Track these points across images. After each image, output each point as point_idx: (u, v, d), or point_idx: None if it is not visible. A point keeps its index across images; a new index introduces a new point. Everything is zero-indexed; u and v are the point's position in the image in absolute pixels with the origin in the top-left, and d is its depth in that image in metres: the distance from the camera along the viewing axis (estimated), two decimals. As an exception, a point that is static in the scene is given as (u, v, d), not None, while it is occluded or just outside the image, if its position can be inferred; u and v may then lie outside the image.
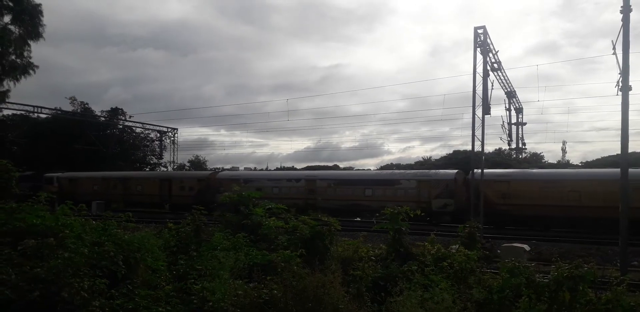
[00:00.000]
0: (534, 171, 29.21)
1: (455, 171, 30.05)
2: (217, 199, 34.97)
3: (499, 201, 26.33)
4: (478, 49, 20.55)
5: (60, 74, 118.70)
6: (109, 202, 40.75)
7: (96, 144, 50.67)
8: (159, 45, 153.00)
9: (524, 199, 25.81)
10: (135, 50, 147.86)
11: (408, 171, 31.09)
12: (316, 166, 66.63)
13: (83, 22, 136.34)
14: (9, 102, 30.97)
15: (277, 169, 66.25)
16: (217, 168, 67.34)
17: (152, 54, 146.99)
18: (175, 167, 56.46)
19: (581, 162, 57.54)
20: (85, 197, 39.48)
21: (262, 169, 62.89)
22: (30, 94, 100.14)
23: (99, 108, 60.97)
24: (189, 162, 72.68)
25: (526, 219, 26.22)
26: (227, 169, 50.21)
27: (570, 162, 58.55)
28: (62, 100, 56.94)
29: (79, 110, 55.81)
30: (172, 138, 55.68)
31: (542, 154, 61.56)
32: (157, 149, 60.97)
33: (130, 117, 58.50)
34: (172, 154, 55.20)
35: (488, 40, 20.80)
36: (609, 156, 52.85)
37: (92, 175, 46.14)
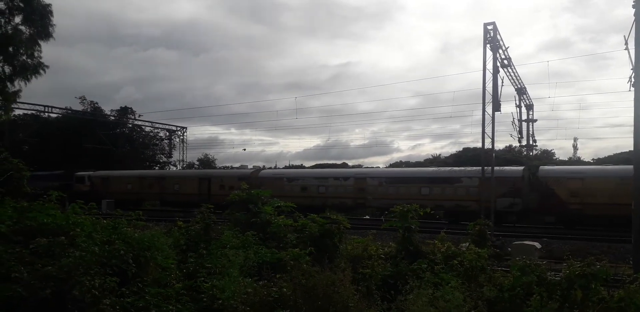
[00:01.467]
0: (610, 167, 27.29)
1: (522, 167, 28.45)
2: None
3: (570, 199, 24.78)
4: (488, 46, 20.40)
5: (74, 74, 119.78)
6: (143, 201, 40.66)
7: (106, 143, 51.03)
8: (171, 45, 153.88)
9: (599, 198, 24.06)
10: (147, 50, 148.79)
11: (470, 168, 29.24)
12: (325, 163, 66.52)
13: (96, 22, 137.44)
14: (20, 102, 31.25)
15: (286, 167, 66.22)
16: (226, 166, 67.58)
17: (164, 53, 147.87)
18: (184, 166, 56.74)
19: (593, 159, 56.93)
20: (119, 197, 39.08)
21: (270, 168, 62.96)
22: (43, 94, 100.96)
23: (110, 107, 61.26)
24: (197, 160, 73.00)
25: (600, 219, 24.46)
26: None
27: (582, 159, 57.96)
28: (76, 100, 57.14)
29: (88, 110, 56.21)
30: (182, 137, 56.01)
31: (553, 151, 61.04)
32: (167, 148, 61.37)
33: (139, 116, 58.92)
34: (182, 152, 55.53)
35: (498, 36, 20.63)
36: (622, 153, 52.25)
37: (126, 173, 45.17)
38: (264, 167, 48.84)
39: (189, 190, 36.75)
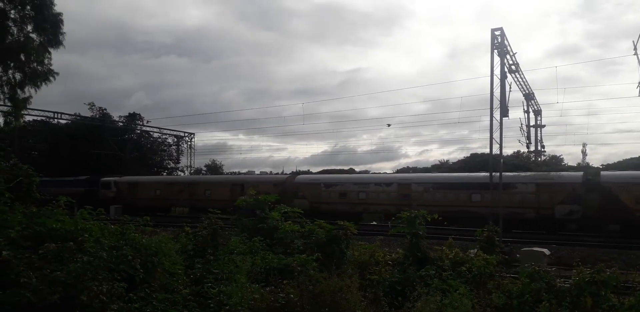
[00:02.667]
0: None
1: (581, 173, 27.11)
2: (296, 204, 33.22)
3: (637, 206, 22.99)
4: (495, 51, 20.37)
5: (86, 80, 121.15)
6: (172, 207, 40.00)
7: (115, 149, 51.34)
8: (182, 52, 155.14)
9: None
10: (159, 57, 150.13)
11: (525, 174, 27.88)
12: (332, 169, 66.48)
13: (107, 29, 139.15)
14: (30, 109, 31.57)
15: (293, 173, 66.29)
16: (233, 172, 67.75)
17: (175, 60, 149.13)
18: (192, 171, 56.92)
19: (602, 165, 56.52)
20: (146, 203, 38.42)
21: (277, 173, 63.00)
22: (55, 101, 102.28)
23: (121, 114, 61.76)
24: (205, 166, 73.24)
25: None
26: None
27: (591, 164, 57.54)
28: (85, 106, 57.77)
29: (97, 116, 56.69)
30: (189, 143, 56.25)
31: (561, 157, 60.67)
32: (174, 154, 61.66)
33: (147, 122, 59.30)
34: (189, 158, 55.74)
35: (505, 42, 20.61)
36: (632, 158, 51.80)
37: (154, 179, 44.52)
38: (298, 172, 47.16)
39: (221, 196, 35.15)
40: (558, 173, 29.17)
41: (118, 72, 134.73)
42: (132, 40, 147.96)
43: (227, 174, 62.98)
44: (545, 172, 30.25)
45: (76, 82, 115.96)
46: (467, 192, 27.21)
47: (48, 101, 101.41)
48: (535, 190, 25.62)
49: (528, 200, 25.59)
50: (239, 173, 65.17)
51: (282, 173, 65.80)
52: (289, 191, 33.09)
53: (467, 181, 28.54)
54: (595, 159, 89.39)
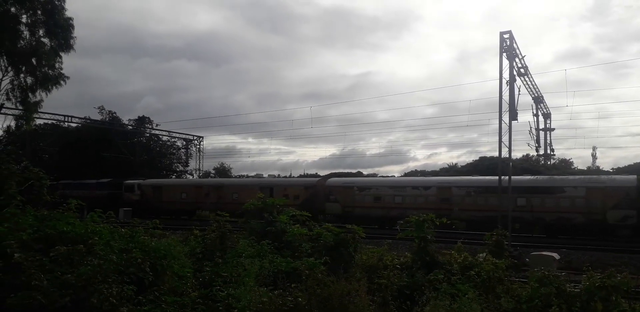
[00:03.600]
0: None
1: (634, 176, 25.84)
2: (327, 208, 31.69)
3: None
4: (504, 54, 20.31)
5: (99, 84, 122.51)
6: (198, 211, 38.99)
7: (124, 152, 51.69)
8: (193, 56, 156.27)
9: None
10: (170, 61, 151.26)
11: (574, 177, 26.78)
12: (339, 172, 66.47)
13: (119, 34, 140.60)
14: (40, 112, 31.95)
15: (302, 176, 66.30)
16: (242, 175, 67.96)
17: (186, 64, 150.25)
18: (200, 174, 57.15)
19: (612, 169, 56.03)
20: (172, 206, 37.96)
21: (285, 176, 63.05)
22: (68, 104, 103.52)
23: (132, 117, 62.13)
24: (214, 169, 73.55)
25: None
26: (337, 175, 45.48)
27: (601, 168, 57.07)
28: (95, 109, 58.22)
29: (107, 119, 57.13)
30: (198, 146, 56.54)
31: (571, 160, 60.27)
32: (183, 157, 61.96)
33: (157, 125, 59.69)
34: (198, 161, 56.00)
35: (514, 45, 20.55)
36: (642, 162, 51.24)
37: (180, 182, 43.65)
38: (330, 175, 45.58)
39: (249, 199, 34.25)
40: (610, 176, 27.99)
41: (130, 76, 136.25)
42: (144, 44, 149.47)
43: (235, 177, 63.17)
44: (596, 176, 29.42)
45: (90, 86, 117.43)
46: (512, 196, 25.35)
47: (61, 105, 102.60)
48: (585, 194, 24.61)
49: (577, 204, 24.62)
50: (247, 176, 65.40)
51: (290, 176, 65.78)
52: (320, 195, 32.40)
53: (513, 184, 26.37)
54: (606, 163, 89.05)
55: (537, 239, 24.93)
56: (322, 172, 70.75)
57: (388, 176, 55.45)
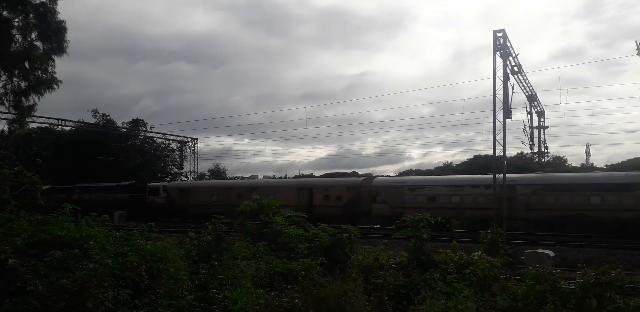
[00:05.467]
0: None
1: None
2: (374, 210, 29.60)
3: None
4: (498, 53, 20.44)
5: (97, 88, 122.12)
6: (228, 214, 38.37)
7: (118, 155, 51.51)
8: (190, 59, 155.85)
9: None
10: (167, 64, 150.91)
11: None
12: (335, 173, 66.52)
13: (117, 37, 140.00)
14: (34, 116, 31.77)
15: (297, 176, 66.22)
16: (237, 177, 67.89)
17: (183, 66, 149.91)
18: (195, 176, 57.05)
19: (606, 165, 56.31)
20: (201, 210, 34.77)
21: (280, 177, 62.99)
22: (67, 108, 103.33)
23: (127, 120, 62.02)
24: (208, 171, 73.40)
25: None
26: (333, 175, 44.32)
27: (595, 165, 57.35)
28: (88, 113, 58.03)
29: (100, 122, 56.94)
30: (192, 148, 56.44)
31: (565, 158, 60.44)
32: (178, 159, 61.85)
33: (151, 128, 59.55)
34: (192, 163, 55.93)
35: (508, 43, 20.69)
36: (635, 158, 51.61)
37: (211, 184, 42.03)
38: (373, 175, 43.35)
39: (286, 201, 31.11)
40: None
41: (128, 79, 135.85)
42: (142, 47, 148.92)
43: (231, 178, 63.06)
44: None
45: (87, 89, 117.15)
46: (585, 194, 24.32)
47: (58, 108, 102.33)
48: None
49: None
50: (242, 178, 65.30)
51: (285, 177, 65.74)
52: (366, 195, 30.67)
53: (585, 181, 25.37)
54: (599, 160, 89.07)
55: (532, 236, 25.01)
56: (318, 173, 70.78)
57: (390, 175, 55.31)
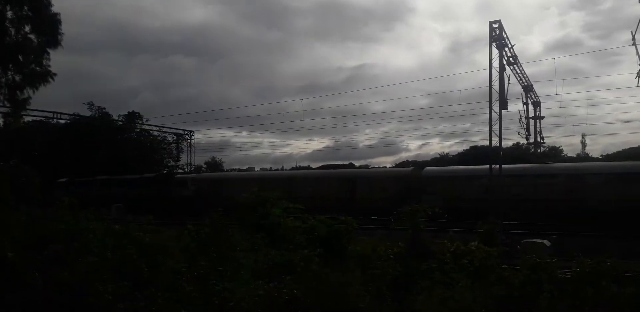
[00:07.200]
0: None
1: None
2: (424, 202, 28.49)
3: None
4: (494, 44, 20.40)
5: (97, 81, 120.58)
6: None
7: (114, 148, 51.30)
8: (189, 52, 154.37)
9: None
10: (166, 57, 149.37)
11: None
12: (331, 164, 66.53)
13: (116, 31, 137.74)
14: (29, 109, 31.57)
15: (293, 168, 66.24)
16: (234, 169, 67.84)
17: (182, 60, 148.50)
18: (191, 169, 56.98)
19: (601, 155, 56.51)
20: (233, 203, 32.07)
21: (277, 170, 62.99)
22: (65, 102, 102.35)
23: (124, 113, 61.43)
24: (205, 163, 73.29)
25: None
26: (330, 167, 41.88)
27: (590, 155, 57.52)
28: (84, 106, 57.49)
29: (96, 115, 56.57)
30: (189, 140, 56.30)
31: (561, 148, 60.57)
32: (174, 152, 61.67)
33: (147, 120, 59.28)
34: (189, 156, 55.81)
35: (504, 34, 20.63)
36: (630, 148, 51.86)
37: (243, 175, 39.90)
38: (422, 165, 40.54)
39: (327, 193, 30.49)
40: None
41: (127, 72, 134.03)
42: (140, 40, 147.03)
43: (228, 171, 63.01)
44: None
45: (86, 83, 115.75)
46: None
47: (56, 102, 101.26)
48: None
49: None
50: (239, 170, 65.27)
51: (282, 168, 65.70)
52: (414, 187, 28.44)
53: None
54: (595, 150, 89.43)
55: (528, 226, 25.04)
56: (315, 165, 70.80)
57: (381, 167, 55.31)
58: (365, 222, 17.44)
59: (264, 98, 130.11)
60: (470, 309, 6.68)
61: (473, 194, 25.27)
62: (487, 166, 21.74)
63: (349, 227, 10.36)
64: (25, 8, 20.97)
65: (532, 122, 31.28)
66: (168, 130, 56.39)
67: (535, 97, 30.78)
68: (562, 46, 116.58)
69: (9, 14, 20.89)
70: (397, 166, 62.73)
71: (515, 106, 29.24)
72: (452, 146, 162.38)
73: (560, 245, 16.68)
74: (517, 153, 47.07)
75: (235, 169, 68.20)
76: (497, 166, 20.84)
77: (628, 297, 6.61)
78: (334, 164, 66.11)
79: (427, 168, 31.61)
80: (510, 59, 22.88)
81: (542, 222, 23.71)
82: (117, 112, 59.71)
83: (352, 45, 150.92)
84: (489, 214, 17.95)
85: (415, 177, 29.57)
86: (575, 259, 7.50)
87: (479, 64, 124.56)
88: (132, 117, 60.17)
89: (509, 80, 22.16)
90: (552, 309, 6.69)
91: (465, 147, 67.74)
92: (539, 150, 38.56)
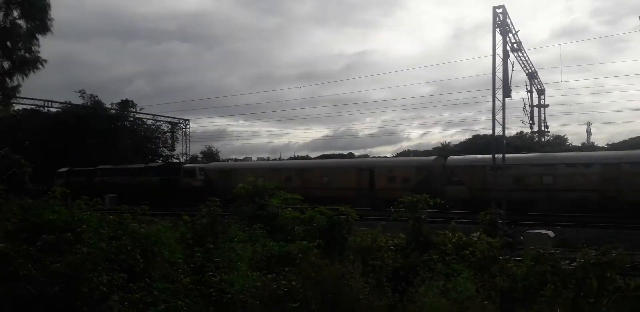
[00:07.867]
0: None
1: None
2: (449, 193, 25.90)
3: None
4: (497, 30, 20.12)
5: (90, 69, 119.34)
6: None
7: (107, 137, 50.76)
8: (184, 38, 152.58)
9: None
10: (161, 44, 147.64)
11: None
12: (331, 154, 66.27)
13: (109, 17, 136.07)
14: (19, 97, 31.08)
15: (292, 158, 65.95)
16: (230, 159, 67.54)
17: (177, 47, 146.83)
18: (187, 159, 56.69)
19: (607, 144, 55.96)
20: None
21: (275, 159, 62.77)
22: (56, 90, 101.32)
23: (117, 101, 60.74)
24: (201, 153, 72.98)
25: None
26: (329, 157, 40.40)
27: (596, 144, 57.01)
28: (76, 94, 56.74)
29: (88, 104, 55.84)
30: (184, 129, 55.90)
31: (565, 137, 59.83)
32: (169, 141, 61.28)
33: (141, 109, 58.68)
34: (184, 145, 55.45)
35: (508, 20, 20.34)
36: (637, 137, 51.36)
37: (256, 165, 38.93)
38: (444, 154, 38.22)
39: (344, 183, 30.09)
40: None
41: (121, 59, 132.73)
42: (134, 27, 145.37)
43: (224, 160, 62.72)
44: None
45: (80, 70, 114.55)
46: None
47: (49, 90, 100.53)
48: None
49: None
50: (236, 159, 64.99)
51: (280, 159, 65.44)
52: (438, 176, 27.91)
53: None
54: (600, 138, 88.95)
55: (532, 217, 24.86)
56: (313, 154, 70.57)
57: (382, 156, 55.07)
58: (385, 213, 17.05)
59: (262, 86, 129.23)
60: (472, 300, 6.56)
61: (501, 184, 23.59)
62: (517, 155, 20.93)
63: (348, 218, 10.21)
64: (14, -8, 20.49)
65: (536, 110, 31.04)
66: (162, 119, 56.02)
67: (539, 84, 30.53)
68: (568, 32, 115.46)
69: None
70: (397, 155, 62.49)
71: (520, 94, 29.07)
72: (455, 135, 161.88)
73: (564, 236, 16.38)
74: (520, 142, 46.65)
75: (231, 159, 67.92)
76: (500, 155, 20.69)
77: (634, 289, 6.51)
78: (333, 154, 65.92)
79: (452, 157, 30.36)
80: (515, 45, 22.65)
81: (572, 215, 23.11)
82: (110, 101, 58.83)
83: (352, 30, 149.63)
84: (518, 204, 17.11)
85: (438, 167, 28.51)
86: (580, 250, 7.39)
87: (483, 50, 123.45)
88: (126, 105, 59.40)
89: (513, 67, 21.99)
90: (556, 301, 6.57)
91: (467, 136, 67.53)
92: (543, 139, 38.27)
